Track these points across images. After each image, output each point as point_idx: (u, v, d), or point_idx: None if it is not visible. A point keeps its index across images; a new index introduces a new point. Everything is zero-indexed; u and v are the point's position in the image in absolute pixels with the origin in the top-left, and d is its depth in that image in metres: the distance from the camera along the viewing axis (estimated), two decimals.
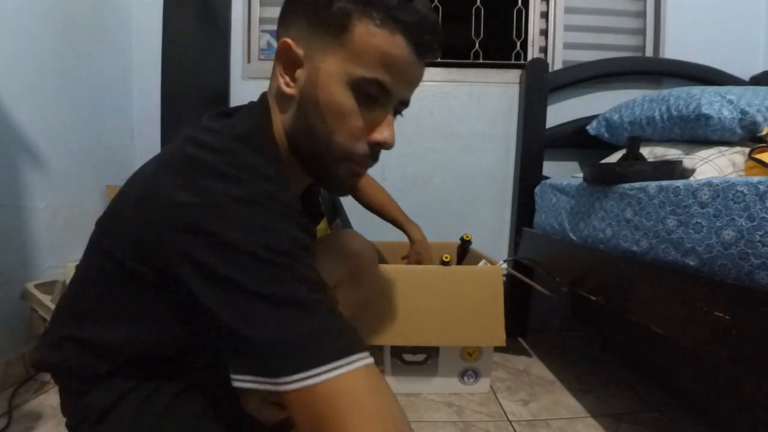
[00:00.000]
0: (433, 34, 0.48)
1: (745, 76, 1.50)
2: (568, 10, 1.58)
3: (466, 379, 1.04)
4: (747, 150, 0.90)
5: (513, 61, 1.62)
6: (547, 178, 1.43)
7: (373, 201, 1.07)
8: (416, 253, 1.09)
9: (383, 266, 0.98)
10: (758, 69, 1.52)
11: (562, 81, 1.48)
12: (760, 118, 0.93)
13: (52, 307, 0.96)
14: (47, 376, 1.01)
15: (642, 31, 1.60)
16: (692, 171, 0.91)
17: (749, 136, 0.96)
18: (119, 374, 0.51)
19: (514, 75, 1.53)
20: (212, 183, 0.40)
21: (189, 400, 0.52)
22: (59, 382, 0.55)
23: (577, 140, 1.47)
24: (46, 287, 1.02)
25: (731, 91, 0.98)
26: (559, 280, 1.09)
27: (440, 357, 1.02)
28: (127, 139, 1.47)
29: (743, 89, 1.00)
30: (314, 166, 0.52)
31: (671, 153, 1.05)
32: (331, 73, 0.46)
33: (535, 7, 1.59)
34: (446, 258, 1.01)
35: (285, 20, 0.50)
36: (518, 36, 1.62)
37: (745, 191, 0.58)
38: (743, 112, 0.93)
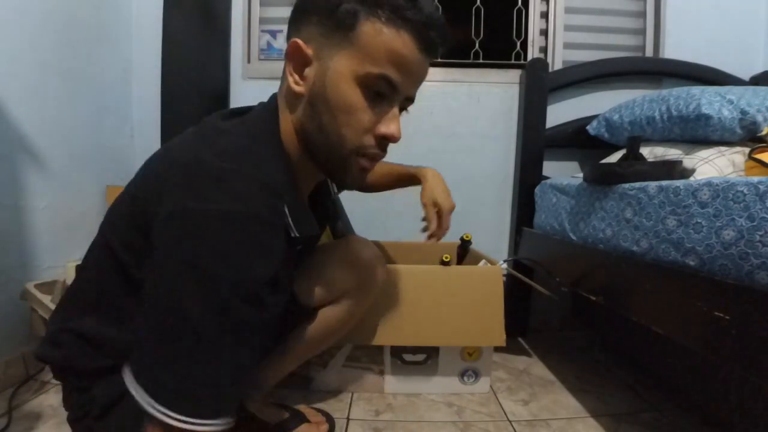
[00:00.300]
0: (438, 32, 0.49)
1: (745, 76, 1.50)
2: (568, 10, 1.58)
3: (466, 379, 1.04)
4: (747, 150, 0.90)
5: (513, 61, 1.62)
6: (547, 178, 1.43)
7: (379, 179, 0.97)
8: (430, 203, 0.89)
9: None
10: (758, 69, 1.52)
11: (562, 81, 1.48)
12: (760, 118, 0.93)
13: (52, 307, 0.96)
14: (47, 376, 1.01)
15: (642, 31, 1.59)
16: (692, 171, 0.91)
17: (749, 136, 0.96)
18: (120, 369, 0.51)
19: (514, 75, 1.53)
20: (211, 194, 0.41)
21: None
22: (61, 376, 0.56)
23: (577, 140, 1.47)
24: (46, 287, 1.02)
25: (731, 91, 0.98)
26: (559, 280, 1.09)
27: (440, 357, 1.03)
28: (127, 139, 1.47)
29: (743, 89, 1.00)
30: (326, 161, 0.53)
31: (671, 153, 1.05)
32: (340, 70, 0.48)
33: (535, 7, 1.59)
34: (446, 258, 1.02)
35: (295, 22, 0.52)
36: (518, 36, 1.62)
37: (745, 191, 0.58)
38: (743, 112, 0.93)
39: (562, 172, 1.50)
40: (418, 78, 0.52)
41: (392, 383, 1.03)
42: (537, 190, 1.39)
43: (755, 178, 0.58)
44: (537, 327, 1.52)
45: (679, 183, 0.72)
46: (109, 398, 0.51)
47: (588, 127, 1.40)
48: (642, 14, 1.59)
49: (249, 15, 1.55)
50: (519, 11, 1.61)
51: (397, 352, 1.03)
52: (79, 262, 0.61)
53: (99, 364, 0.51)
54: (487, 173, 1.55)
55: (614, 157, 1.21)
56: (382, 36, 0.47)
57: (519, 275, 1.20)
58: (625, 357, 1.27)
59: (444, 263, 1.01)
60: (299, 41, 0.49)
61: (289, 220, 0.51)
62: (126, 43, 1.46)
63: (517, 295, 1.42)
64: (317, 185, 0.66)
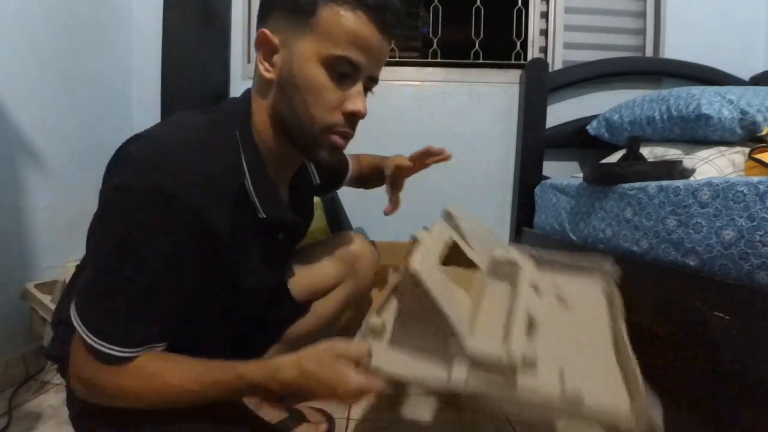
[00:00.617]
0: (393, 13, 0.53)
1: (745, 76, 1.50)
2: (568, 10, 1.58)
3: None
4: (747, 150, 0.90)
5: (513, 61, 1.62)
6: (547, 178, 1.43)
7: (366, 168, 0.93)
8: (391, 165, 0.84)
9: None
10: (758, 69, 1.52)
11: (562, 81, 1.48)
12: (760, 118, 0.93)
13: (52, 307, 0.96)
14: (47, 376, 1.01)
15: (642, 31, 1.59)
16: (692, 171, 0.91)
17: (749, 136, 0.96)
18: None
19: (514, 75, 1.53)
20: (142, 166, 0.47)
21: None
22: (63, 372, 0.57)
23: (577, 140, 1.47)
24: (46, 287, 1.02)
25: (731, 91, 0.98)
26: None
27: None
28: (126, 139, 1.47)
29: (743, 89, 1.00)
30: (300, 140, 0.56)
31: (671, 153, 1.05)
32: (305, 54, 0.52)
33: (535, 7, 1.59)
34: None
35: (262, 14, 0.56)
36: (518, 36, 1.62)
37: (745, 191, 0.59)
38: (743, 112, 0.93)
39: (562, 172, 1.50)
40: (378, 58, 0.55)
41: None
42: (537, 190, 1.39)
43: (755, 178, 0.58)
44: None
45: (679, 183, 0.72)
46: None
47: (588, 127, 1.40)
48: (642, 14, 1.59)
49: (249, 15, 1.55)
50: (519, 11, 1.61)
51: None
52: (79, 262, 0.62)
53: None
54: (487, 173, 1.55)
55: (614, 157, 1.21)
56: (341, 19, 0.50)
57: None
58: None
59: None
60: (266, 31, 0.53)
61: (255, 200, 0.55)
62: (126, 43, 1.46)
63: None
64: (298, 172, 0.68)
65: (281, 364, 0.49)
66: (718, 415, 0.61)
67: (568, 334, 0.51)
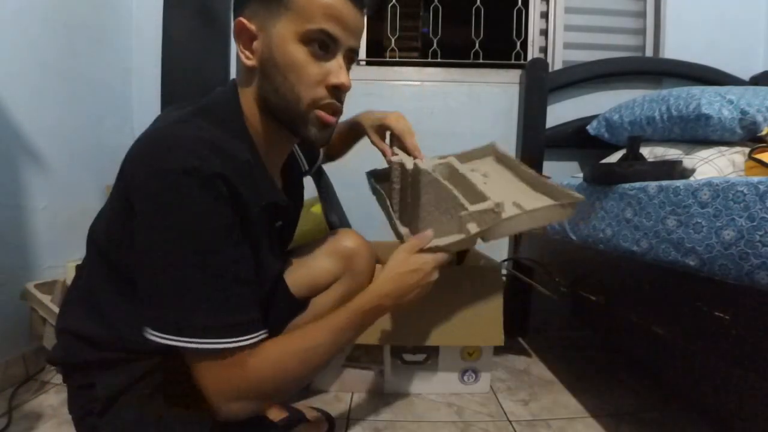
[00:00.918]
0: None
1: (745, 76, 1.50)
2: (568, 10, 1.58)
3: (466, 378, 1.04)
4: (747, 150, 0.90)
5: (513, 61, 1.62)
6: (547, 178, 1.43)
7: (335, 142, 0.86)
8: (372, 130, 0.81)
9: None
10: (758, 69, 1.51)
11: (562, 81, 1.48)
12: (760, 118, 0.93)
13: (52, 307, 0.96)
14: (47, 376, 1.01)
15: (642, 31, 1.60)
16: (692, 171, 0.91)
17: (749, 136, 0.96)
18: (120, 366, 0.52)
19: (514, 75, 1.53)
20: (166, 156, 0.46)
21: (193, 392, 0.53)
22: (66, 376, 0.57)
23: (577, 140, 1.47)
24: (46, 287, 1.02)
25: (731, 91, 0.98)
26: (559, 280, 1.09)
27: (440, 357, 1.02)
28: (127, 139, 1.47)
29: (743, 89, 1.00)
30: (289, 120, 0.57)
31: (671, 153, 1.05)
32: (282, 34, 0.53)
33: (535, 7, 1.59)
34: None
35: (238, 5, 0.56)
36: (518, 36, 1.62)
37: (745, 191, 0.58)
38: (743, 112, 0.93)
39: (562, 172, 1.50)
40: (355, 28, 0.56)
41: (392, 383, 1.03)
42: None
43: (755, 178, 0.58)
44: (537, 327, 1.52)
45: (679, 183, 0.72)
46: (110, 391, 0.52)
47: (588, 127, 1.40)
48: (642, 14, 1.59)
49: None
50: (519, 11, 1.61)
51: (397, 351, 1.03)
52: (79, 262, 0.62)
53: (99, 357, 0.53)
54: None
55: (614, 157, 1.21)
56: None
57: (519, 275, 1.20)
58: (625, 357, 1.27)
59: None
60: (243, 19, 0.54)
61: (259, 185, 0.55)
62: (126, 44, 1.46)
63: (517, 295, 1.42)
64: (288, 160, 0.69)
65: (377, 283, 0.60)
66: (719, 415, 0.61)
67: (501, 186, 0.82)
